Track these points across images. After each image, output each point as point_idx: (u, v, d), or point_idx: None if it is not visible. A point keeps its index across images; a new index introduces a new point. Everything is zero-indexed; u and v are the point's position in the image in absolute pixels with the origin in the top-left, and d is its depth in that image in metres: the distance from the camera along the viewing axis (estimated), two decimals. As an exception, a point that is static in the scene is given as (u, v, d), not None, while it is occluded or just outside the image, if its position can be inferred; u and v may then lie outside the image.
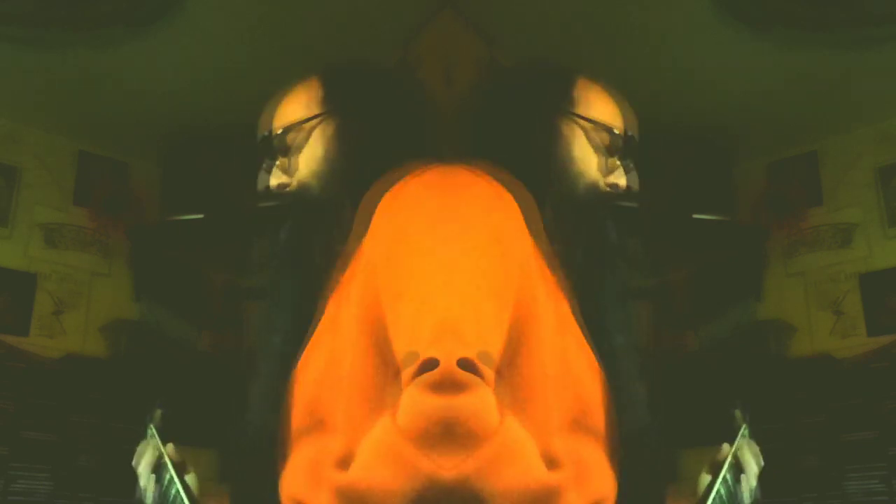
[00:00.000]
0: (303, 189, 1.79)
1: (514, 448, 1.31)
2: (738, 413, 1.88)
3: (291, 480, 1.46)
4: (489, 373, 1.32)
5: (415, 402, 1.28)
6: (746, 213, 3.03)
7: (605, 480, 1.48)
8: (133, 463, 1.85)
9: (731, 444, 1.80)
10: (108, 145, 3.03)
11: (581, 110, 1.81)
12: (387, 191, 1.59)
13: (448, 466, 1.26)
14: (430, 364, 1.29)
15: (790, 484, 2.73)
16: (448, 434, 1.27)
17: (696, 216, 2.85)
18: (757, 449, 1.82)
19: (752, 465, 1.79)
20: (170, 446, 1.84)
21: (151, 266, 2.95)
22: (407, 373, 1.32)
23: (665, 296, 2.77)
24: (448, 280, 1.42)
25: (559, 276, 1.60)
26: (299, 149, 1.82)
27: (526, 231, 1.55)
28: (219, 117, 2.56)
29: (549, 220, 1.63)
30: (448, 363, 1.28)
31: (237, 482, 1.78)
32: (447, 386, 1.27)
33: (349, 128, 1.80)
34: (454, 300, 1.38)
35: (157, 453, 1.83)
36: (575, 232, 1.70)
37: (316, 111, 1.81)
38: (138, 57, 2.57)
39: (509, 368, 1.37)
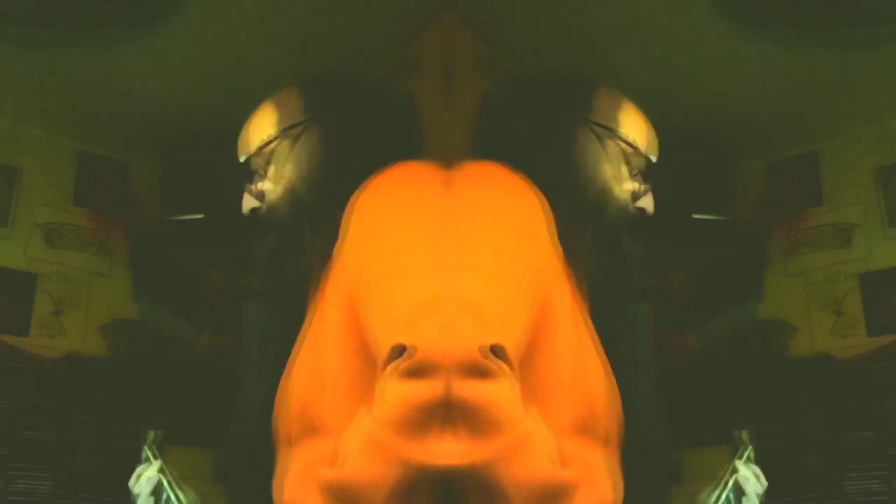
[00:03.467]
0: (286, 197, 1.80)
1: (533, 440, 1.31)
2: (744, 434, 1.89)
3: (285, 485, 1.46)
4: (509, 363, 1.30)
5: (391, 389, 1.28)
6: (746, 213, 3.03)
7: (610, 485, 1.48)
8: (130, 484, 1.86)
9: (735, 461, 1.80)
10: (108, 145, 3.03)
11: (612, 125, 1.82)
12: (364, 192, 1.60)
13: (440, 454, 1.25)
14: (402, 350, 1.28)
15: (790, 484, 2.73)
16: (466, 420, 1.25)
17: (696, 216, 2.85)
18: (759, 471, 1.83)
19: (756, 486, 1.80)
20: (168, 468, 1.85)
21: (151, 266, 2.95)
22: (386, 363, 1.31)
23: (665, 296, 2.77)
24: (465, 270, 1.42)
25: (575, 281, 1.60)
26: (283, 158, 1.82)
27: (550, 230, 1.56)
28: (219, 118, 2.56)
29: (568, 229, 1.63)
30: (446, 351, 1.26)
31: (232, 486, 1.78)
32: (431, 371, 1.26)
33: (330, 136, 1.80)
34: (470, 289, 1.37)
35: (155, 474, 1.83)
36: (602, 250, 1.70)
37: (297, 120, 1.82)
38: (138, 57, 2.57)
39: (526, 366, 1.36)
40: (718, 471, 2.54)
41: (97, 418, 2.78)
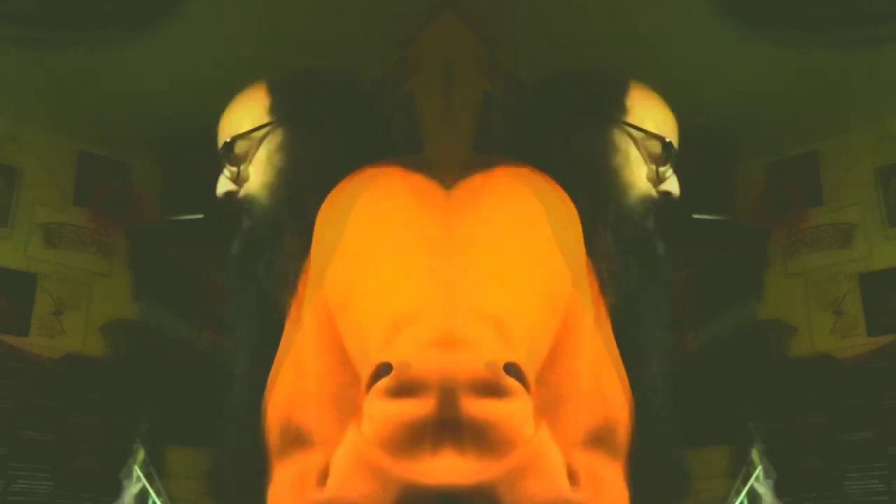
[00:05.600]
0: (271, 187, 1.75)
1: (543, 458, 1.29)
2: (756, 452, 1.87)
3: (276, 497, 1.44)
4: (524, 381, 1.28)
5: (378, 408, 1.25)
6: (746, 213, 3.03)
7: (619, 498, 1.47)
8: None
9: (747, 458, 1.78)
10: (108, 145, 3.03)
11: (633, 120, 1.79)
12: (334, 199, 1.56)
13: (433, 473, 1.23)
14: (385, 369, 1.25)
15: (790, 484, 2.73)
16: (475, 439, 1.23)
17: (696, 216, 2.85)
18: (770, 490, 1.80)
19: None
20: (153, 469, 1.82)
21: (151, 266, 2.95)
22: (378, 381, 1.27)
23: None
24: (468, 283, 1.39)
25: (603, 292, 1.57)
26: (248, 158, 1.78)
27: (563, 236, 1.52)
28: (219, 117, 2.56)
29: (597, 232, 1.60)
30: (438, 369, 1.24)
31: (224, 498, 1.76)
32: (420, 390, 1.23)
33: (300, 138, 1.76)
34: (473, 301, 1.35)
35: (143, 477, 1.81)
36: (626, 248, 1.67)
37: (264, 120, 1.78)
38: (138, 57, 2.57)
39: (543, 377, 1.34)
40: (717, 470, 2.54)
41: (97, 418, 2.77)
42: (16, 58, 2.58)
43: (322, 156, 1.74)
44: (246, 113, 1.81)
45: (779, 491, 2.64)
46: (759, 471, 1.83)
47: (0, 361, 2.72)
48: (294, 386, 1.47)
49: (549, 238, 1.49)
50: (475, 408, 1.23)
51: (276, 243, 1.65)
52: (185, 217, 2.87)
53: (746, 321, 2.93)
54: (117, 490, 2.63)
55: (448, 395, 1.23)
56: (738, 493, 1.82)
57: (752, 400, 2.67)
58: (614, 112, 1.78)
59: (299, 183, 1.70)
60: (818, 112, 2.87)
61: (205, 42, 2.55)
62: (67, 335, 2.86)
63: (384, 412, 1.24)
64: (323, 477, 1.32)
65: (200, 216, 2.81)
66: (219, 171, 1.83)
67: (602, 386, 1.48)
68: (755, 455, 1.82)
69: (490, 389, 1.24)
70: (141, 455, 1.82)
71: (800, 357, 2.89)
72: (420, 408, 1.23)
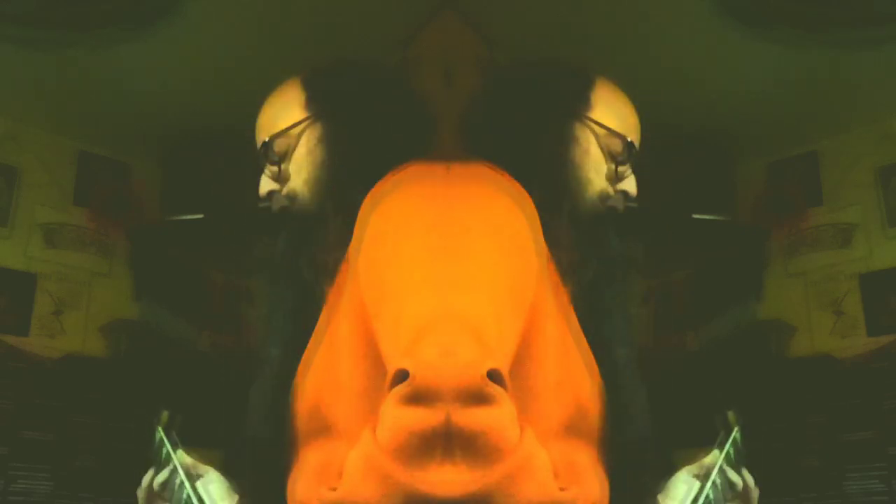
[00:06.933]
0: (293, 197, 1.76)
1: (533, 462, 1.30)
2: (731, 415, 1.85)
3: (298, 484, 1.45)
4: (505, 386, 1.29)
5: (392, 415, 1.26)
6: (746, 213, 3.03)
7: (597, 483, 1.47)
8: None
9: (721, 445, 1.77)
10: (108, 145, 3.03)
11: (596, 115, 1.78)
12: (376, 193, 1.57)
13: (441, 484, 1.23)
14: (403, 375, 1.25)
15: (790, 484, 2.73)
16: (465, 449, 1.23)
17: (696, 216, 2.85)
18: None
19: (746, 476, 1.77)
20: (181, 453, 1.81)
21: (151, 266, 2.95)
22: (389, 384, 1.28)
23: (665, 296, 2.77)
24: (456, 285, 1.40)
25: (562, 283, 1.58)
26: (288, 155, 1.78)
27: (541, 236, 1.53)
28: (219, 117, 2.57)
29: (557, 228, 1.61)
30: (444, 375, 1.24)
31: (245, 489, 1.76)
32: (432, 398, 1.23)
33: (338, 132, 1.76)
34: (462, 307, 1.36)
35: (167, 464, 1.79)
36: (583, 241, 1.67)
37: (302, 115, 1.77)
38: (138, 57, 2.57)
39: (513, 373, 1.35)
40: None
41: (97, 418, 2.78)
42: (16, 58, 2.58)
43: (364, 146, 1.73)
44: (282, 110, 1.80)
45: (779, 491, 2.64)
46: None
47: (0, 361, 2.72)
48: (326, 374, 1.48)
49: (517, 237, 1.50)
50: (464, 417, 1.23)
51: (319, 234, 1.65)
52: (185, 217, 2.87)
53: (746, 321, 2.93)
54: (117, 490, 2.63)
55: (446, 404, 1.24)
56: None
57: (752, 400, 2.67)
58: (577, 107, 1.77)
59: (342, 174, 1.70)
60: (818, 112, 2.87)
61: (205, 42, 2.55)
62: (67, 335, 2.86)
63: (395, 418, 1.25)
64: (341, 474, 1.33)
65: (200, 216, 2.81)
66: (259, 171, 1.82)
67: (570, 373, 1.49)
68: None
69: (478, 398, 1.24)
70: (170, 451, 1.80)
71: (800, 357, 2.89)
72: (429, 417, 1.24)
